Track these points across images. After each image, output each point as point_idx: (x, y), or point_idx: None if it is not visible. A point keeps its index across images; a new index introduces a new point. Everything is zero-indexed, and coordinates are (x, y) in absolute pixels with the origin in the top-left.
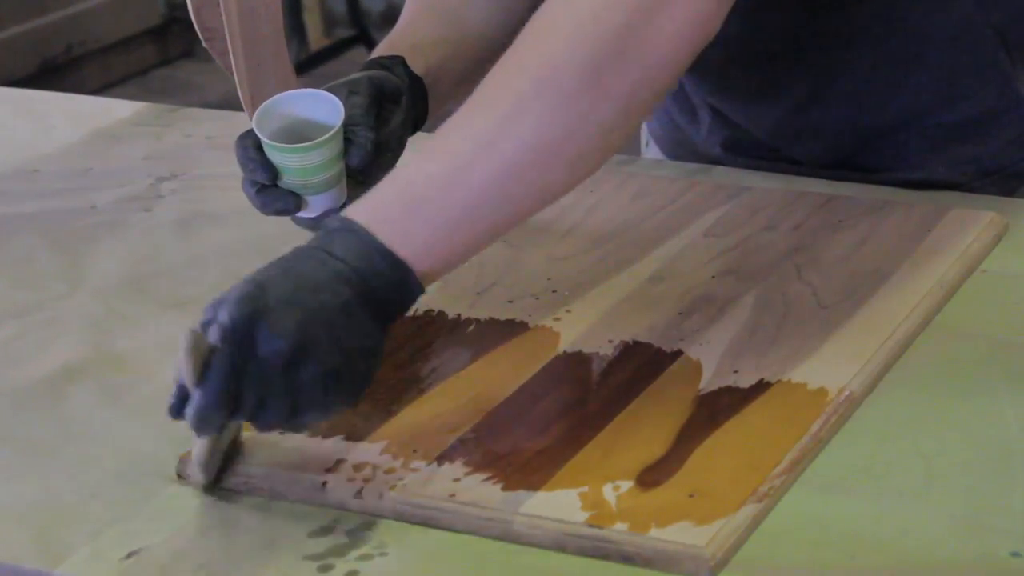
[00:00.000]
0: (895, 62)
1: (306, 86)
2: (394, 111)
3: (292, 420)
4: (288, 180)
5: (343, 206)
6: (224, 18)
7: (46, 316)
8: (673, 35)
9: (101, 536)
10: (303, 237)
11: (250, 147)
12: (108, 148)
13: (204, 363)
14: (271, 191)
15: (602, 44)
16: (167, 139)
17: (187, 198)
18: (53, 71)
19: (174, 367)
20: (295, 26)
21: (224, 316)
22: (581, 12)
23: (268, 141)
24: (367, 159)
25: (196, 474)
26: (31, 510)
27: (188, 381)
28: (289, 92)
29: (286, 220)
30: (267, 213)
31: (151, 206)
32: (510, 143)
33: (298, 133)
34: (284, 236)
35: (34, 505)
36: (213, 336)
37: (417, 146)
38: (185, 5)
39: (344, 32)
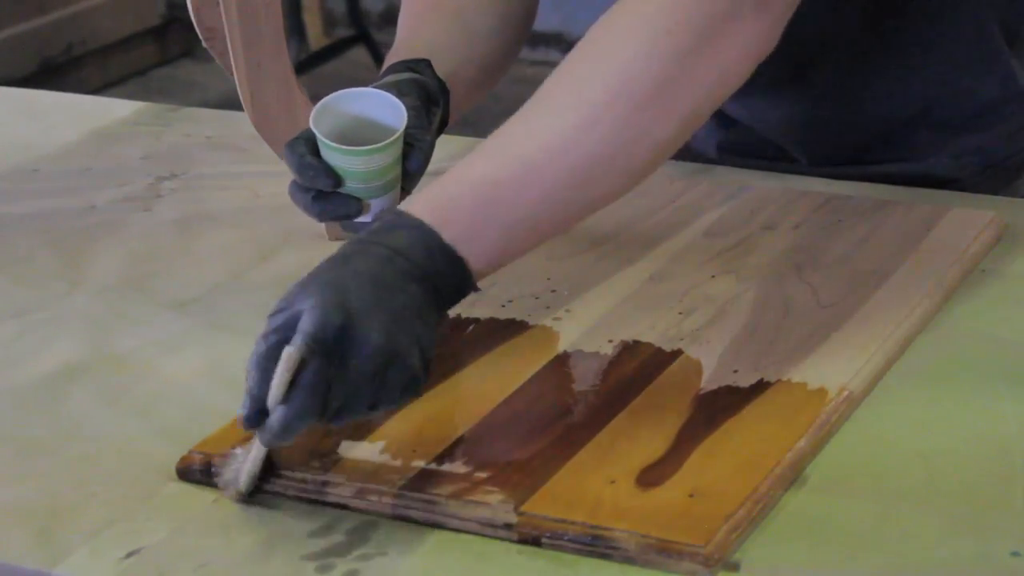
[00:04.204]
0: (905, 56)
1: (306, 86)
2: (436, 113)
3: (365, 415)
4: (349, 184)
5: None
6: (224, 18)
7: (46, 316)
8: (738, 55)
9: (101, 536)
10: (302, 237)
11: (306, 153)
12: (108, 148)
13: (292, 376)
14: (331, 197)
15: (674, 62)
16: (167, 139)
17: (187, 198)
18: (53, 71)
19: (248, 378)
20: (295, 26)
21: (310, 326)
22: (655, 26)
23: (333, 144)
24: (426, 163)
25: (241, 484)
26: (31, 510)
27: (273, 396)
28: (346, 91)
29: (285, 220)
30: (324, 220)
31: (151, 206)
32: (579, 152)
33: (354, 133)
34: (284, 235)
35: (34, 505)
36: (299, 348)
37: (477, 146)
38: (185, 5)
39: (344, 32)
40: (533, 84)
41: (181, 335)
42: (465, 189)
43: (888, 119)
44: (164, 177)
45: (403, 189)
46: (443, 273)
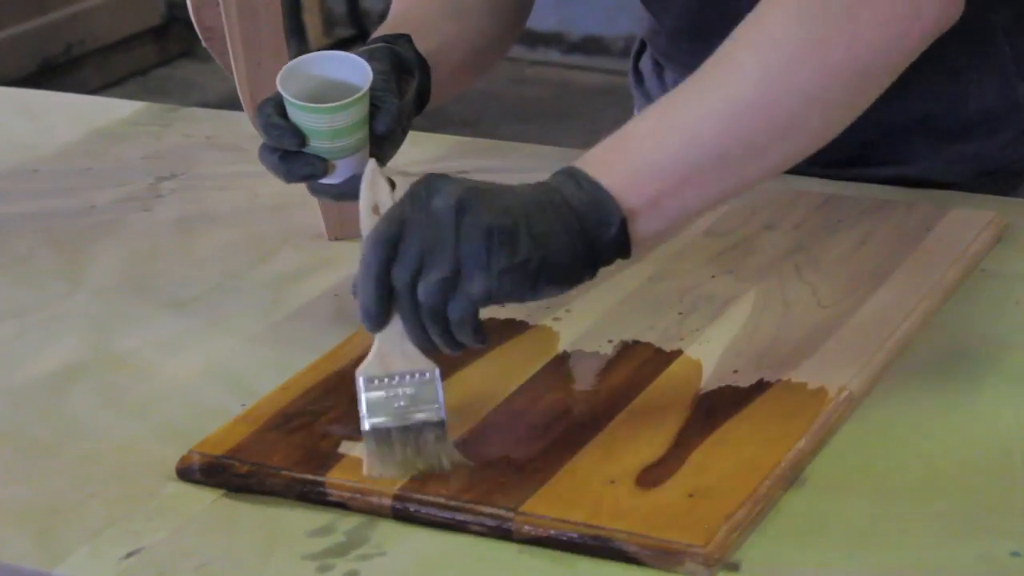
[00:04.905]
0: None
1: None
2: (410, 83)
3: (455, 287)
4: (314, 144)
5: None
6: (224, 18)
7: (46, 316)
8: (904, 17)
9: (101, 536)
10: (302, 238)
11: (273, 113)
12: (108, 148)
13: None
14: (296, 157)
15: (828, 23)
16: (167, 139)
17: (187, 198)
18: (53, 71)
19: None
20: (295, 26)
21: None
22: None
23: (297, 101)
24: (393, 125)
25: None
26: (31, 510)
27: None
28: (313, 53)
29: (285, 220)
30: (291, 180)
31: (151, 206)
32: (722, 98)
33: (322, 95)
34: (284, 235)
35: (34, 505)
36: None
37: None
38: (185, 5)
39: (344, 32)
40: (533, 84)
41: (181, 335)
42: (615, 136)
43: (885, 125)
44: (164, 177)
45: (372, 154)
46: (579, 193)
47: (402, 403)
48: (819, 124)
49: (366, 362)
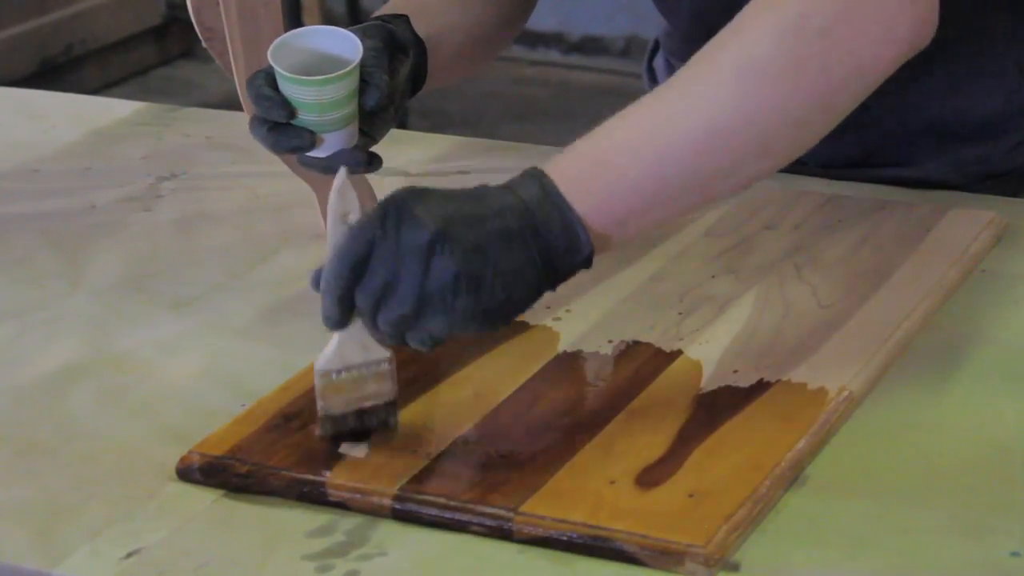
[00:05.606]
0: (909, 64)
1: None
2: (403, 62)
3: (415, 322)
4: (303, 116)
5: (354, 148)
6: (224, 18)
7: (46, 316)
8: (878, 39)
9: (101, 536)
10: (302, 238)
11: (263, 85)
12: (108, 148)
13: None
14: (285, 129)
15: (803, 43)
16: (167, 139)
17: (187, 198)
18: (53, 71)
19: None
20: (295, 26)
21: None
22: (786, 10)
23: (286, 73)
24: (383, 101)
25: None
26: (31, 510)
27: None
28: (305, 28)
29: (285, 220)
30: (280, 152)
31: (151, 206)
32: (699, 119)
33: (313, 69)
34: (284, 235)
35: (34, 505)
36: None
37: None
38: (185, 5)
39: None
40: (533, 84)
41: (181, 335)
42: (587, 147)
43: (890, 131)
44: (164, 177)
45: (362, 130)
46: (552, 220)
47: (358, 392)
48: (790, 144)
49: (325, 355)
